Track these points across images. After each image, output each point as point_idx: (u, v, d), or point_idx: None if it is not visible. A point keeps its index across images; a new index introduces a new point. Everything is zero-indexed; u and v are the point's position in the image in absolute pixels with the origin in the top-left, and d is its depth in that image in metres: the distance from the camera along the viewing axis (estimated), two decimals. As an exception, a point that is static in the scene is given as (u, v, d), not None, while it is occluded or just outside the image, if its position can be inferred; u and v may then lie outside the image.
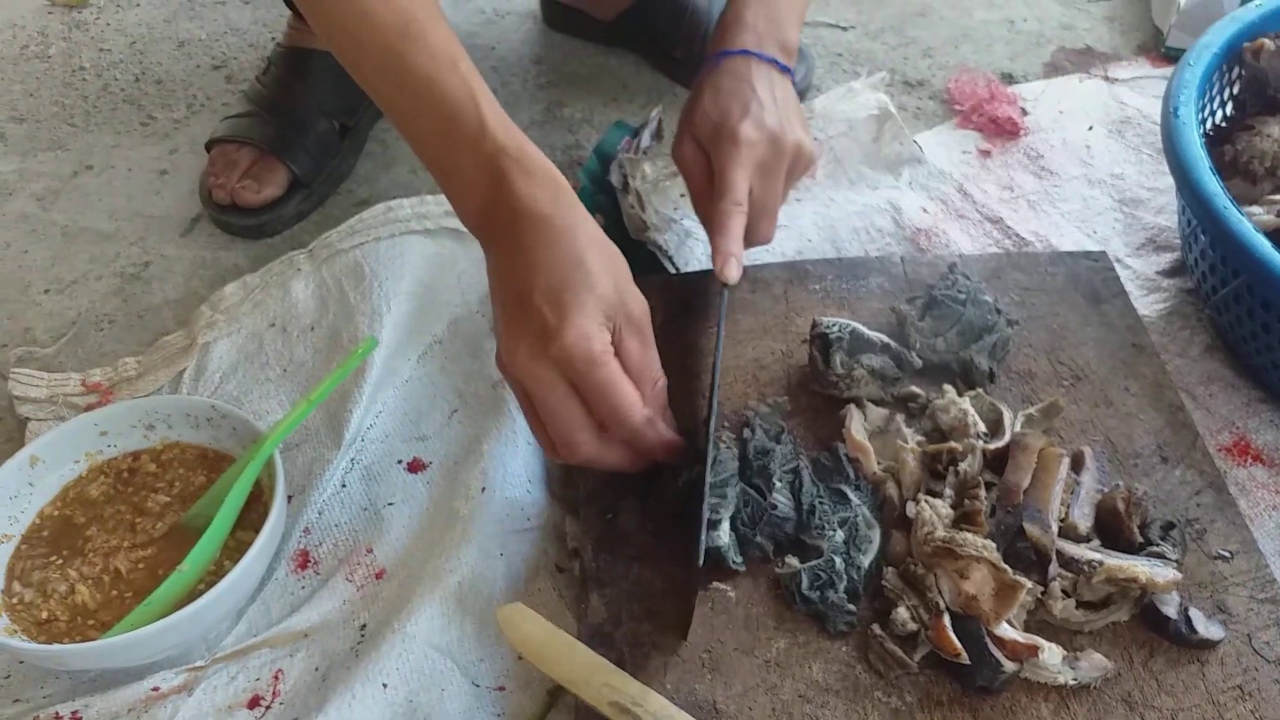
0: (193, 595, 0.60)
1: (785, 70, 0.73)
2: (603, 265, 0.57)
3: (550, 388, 0.56)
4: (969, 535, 0.56)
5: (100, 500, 0.67)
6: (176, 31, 1.15)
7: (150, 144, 1.00)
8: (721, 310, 0.69)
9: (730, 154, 0.68)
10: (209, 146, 0.92)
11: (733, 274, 0.67)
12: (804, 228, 0.85)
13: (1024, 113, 0.97)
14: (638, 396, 0.57)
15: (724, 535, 0.59)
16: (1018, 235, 0.85)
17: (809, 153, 0.71)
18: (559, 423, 0.57)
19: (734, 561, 0.59)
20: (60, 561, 0.63)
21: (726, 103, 0.69)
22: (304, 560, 0.67)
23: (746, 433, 0.63)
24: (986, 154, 0.93)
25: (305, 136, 0.90)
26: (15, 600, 0.62)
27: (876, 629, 0.56)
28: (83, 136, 1.02)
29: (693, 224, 0.87)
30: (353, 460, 0.72)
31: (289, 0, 0.93)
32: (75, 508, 0.66)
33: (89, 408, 0.76)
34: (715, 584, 0.59)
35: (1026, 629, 0.56)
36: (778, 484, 0.60)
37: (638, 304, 0.59)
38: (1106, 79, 1.02)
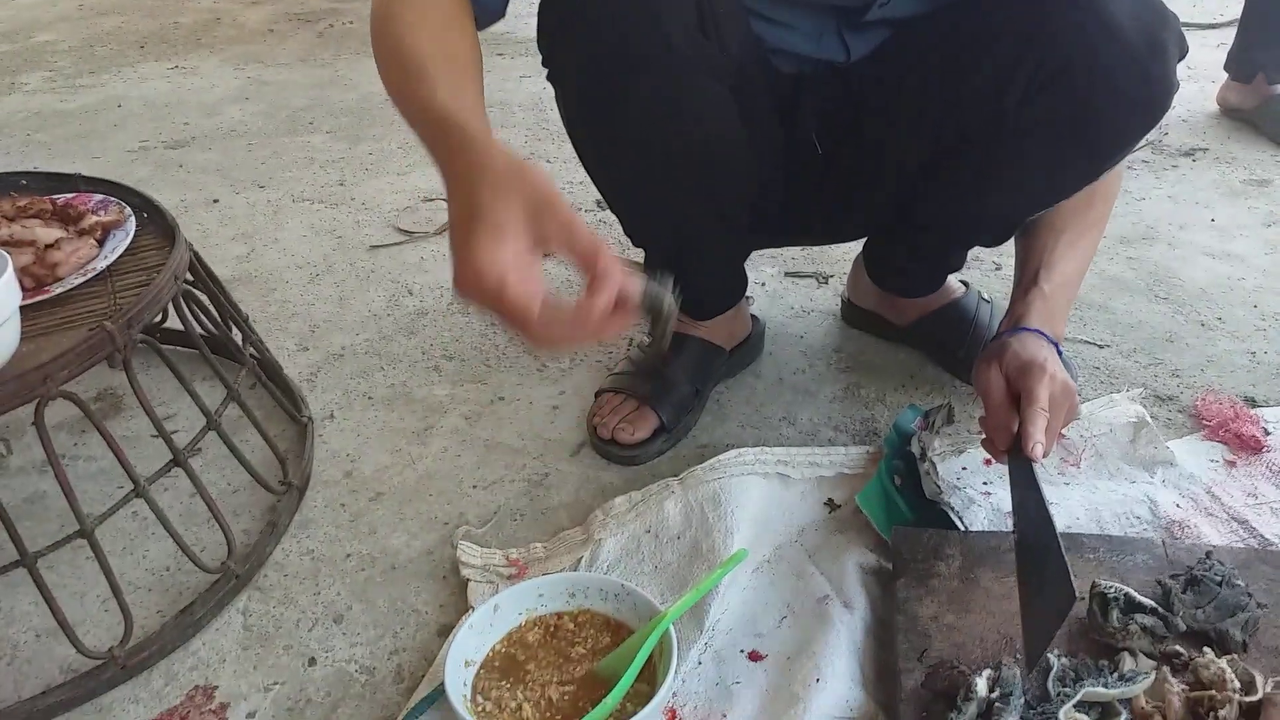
0: (606, 725, 0.83)
1: (1060, 351, 1.01)
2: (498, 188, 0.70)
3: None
4: (1232, 769, 0.71)
5: (535, 645, 0.91)
6: (559, 301, 1.52)
7: (544, 385, 1.33)
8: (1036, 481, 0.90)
9: (1039, 379, 0.94)
10: (598, 394, 1.23)
11: (1039, 453, 0.90)
12: (1072, 507, 1.04)
13: (1266, 433, 1.13)
14: (530, 315, 0.67)
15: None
16: (1263, 536, 1.00)
17: (1078, 405, 0.99)
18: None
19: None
20: (510, 685, 0.88)
21: (1033, 351, 0.97)
22: (672, 716, 0.88)
23: (1046, 661, 0.80)
24: (1232, 464, 1.10)
25: (672, 395, 1.19)
26: (480, 709, 0.86)
27: (1151, 834, 0.70)
28: (495, 374, 1.36)
29: (974, 492, 1.08)
30: (706, 644, 0.93)
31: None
32: (517, 648, 0.91)
33: (510, 578, 1.02)
34: (1010, 782, 0.75)
35: None
36: (1077, 714, 0.76)
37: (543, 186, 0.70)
38: (1345, 410, 1.18)
